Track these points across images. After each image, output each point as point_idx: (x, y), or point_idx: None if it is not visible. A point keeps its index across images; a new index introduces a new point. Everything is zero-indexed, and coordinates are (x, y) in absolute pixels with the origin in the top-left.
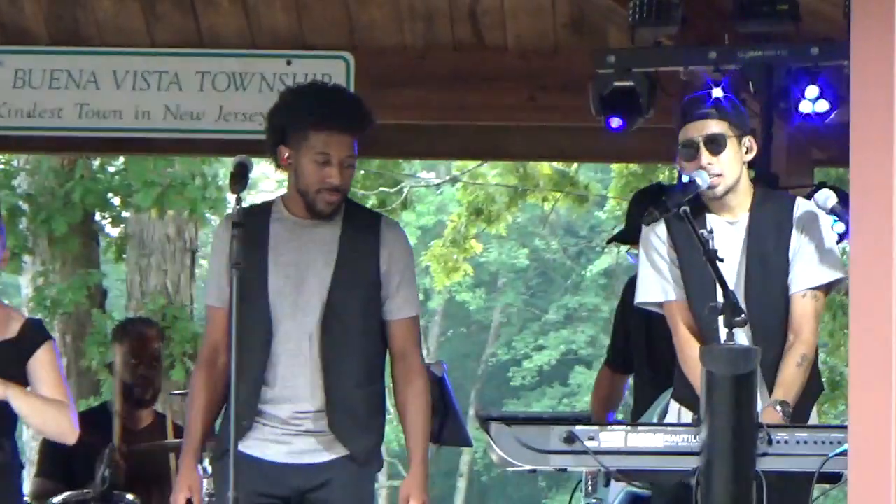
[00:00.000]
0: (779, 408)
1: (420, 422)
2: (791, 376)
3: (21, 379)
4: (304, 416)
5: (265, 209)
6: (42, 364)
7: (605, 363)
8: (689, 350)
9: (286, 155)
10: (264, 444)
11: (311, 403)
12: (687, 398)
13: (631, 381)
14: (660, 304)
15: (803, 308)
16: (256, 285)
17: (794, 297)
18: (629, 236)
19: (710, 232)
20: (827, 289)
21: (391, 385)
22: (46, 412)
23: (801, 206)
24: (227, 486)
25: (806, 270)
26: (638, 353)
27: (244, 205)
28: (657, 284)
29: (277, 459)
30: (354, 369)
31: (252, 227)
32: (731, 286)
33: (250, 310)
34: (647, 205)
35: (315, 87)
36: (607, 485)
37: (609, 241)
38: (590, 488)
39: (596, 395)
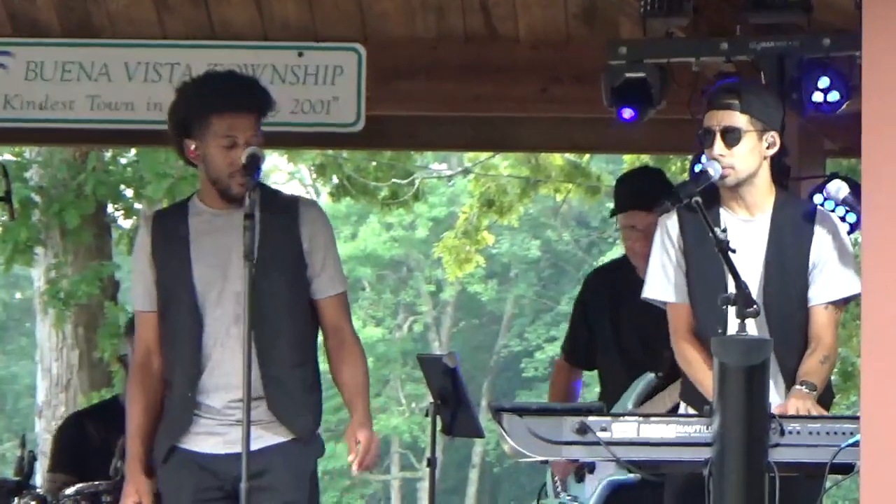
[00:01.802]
0: (801, 385)
1: (359, 376)
2: (814, 367)
3: None
4: (237, 404)
5: (181, 207)
6: None
7: (563, 358)
8: (689, 352)
9: (192, 147)
10: (200, 438)
11: (237, 392)
12: (693, 399)
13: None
14: (664, 303)
15: (825, 319)
16: (181, 281)
17: (815, 309)
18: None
19: (724, 230)
20: (846, 302)
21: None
22: None
23: (823, 215)
24: (177, 487)
25: (827, 284)
26: (605, 344)
27: (250, 195)
28: (664, 284)
29: (213, 451)
30: (287, 350)
31: (170, 225)
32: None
33: (178, 306)
34: (632, 187)
35: (209, 75)
36: (581, 481)
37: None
38: (558, 488)
39: (557, 391)
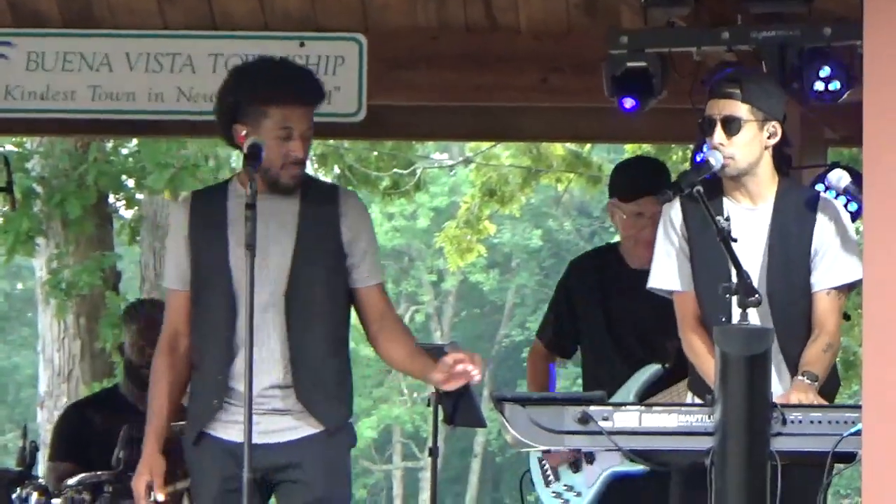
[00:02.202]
0: (806, 378)
1: (413, 346)
2: (816, 356)
3: None
4: (271, 393)
5: (220, 188)
6: None
7: (542, 344)
8: (696, 342)
9: (243, 133)
10: (230, 426)
11: (277, 376)
12: (701, 389)
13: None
14: (670, 292)
15: (828, 306)
16: (217, 264)
17: (817, 296)
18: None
19: (727, 219)
20: (850, 288)
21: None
22: None
23: (826, 201)
24: (204, 474)
25: (830, 270)
26: (594, 334)
27: (251, 185)
28: (670, 273)
29: (242, 439)
30: (321, 340)
31: (209, 207)
32: (748, 271)
33: (213, 289)
34: (640, 174)
35: (266, 63)
36: (577, 470)
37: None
38: (551, 478)
39: (537, 379)
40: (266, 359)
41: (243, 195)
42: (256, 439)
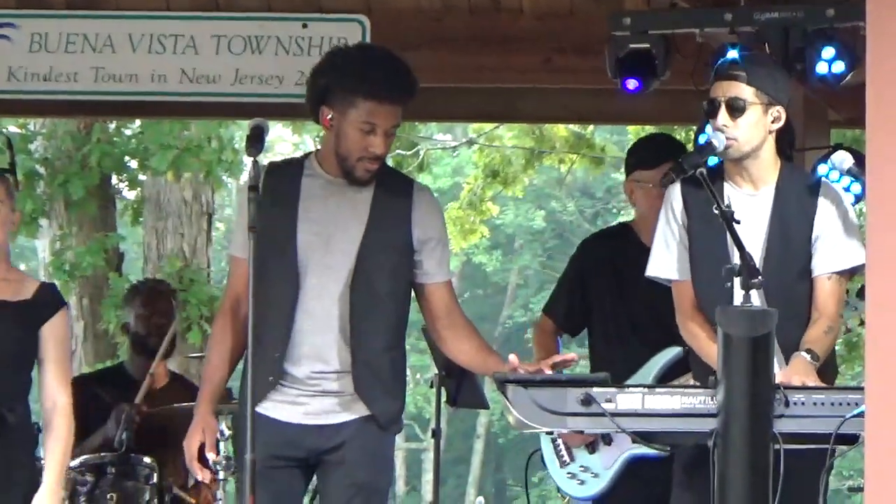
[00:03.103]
0: (806, 354)
1: (482, 337)
2: (818, 337)
3: (33, 339)
4: (322, 376)
5: (297, 164)
6: (54, 334)
7: (551, 321)
8: (695, 329)
9: (329, 116)
10: (280, 406)
11: (333, 364)
12: (703, 376)
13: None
14: (669, 281)
15: (828, 290)
16: (285, 239)
17: (818, 280)
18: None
19: (728, 206)
20: (851, 273)
21: (414, 349)
22: (63, 469)
23: (827, 186)
24: (245, 448)
25: (831, 254)
26: (607, 315)
27: (254, 167)
28: (669, 262)
29: (293, 420)
30: (381, 332)
31: (282, 180)
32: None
33: (277, 264)
34: (659, 143)
35: (365, 50)
36: (593, 451)
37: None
38: (566, 459)
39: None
40: (324, 345)
41: (319, 175)
42: (303, 420)
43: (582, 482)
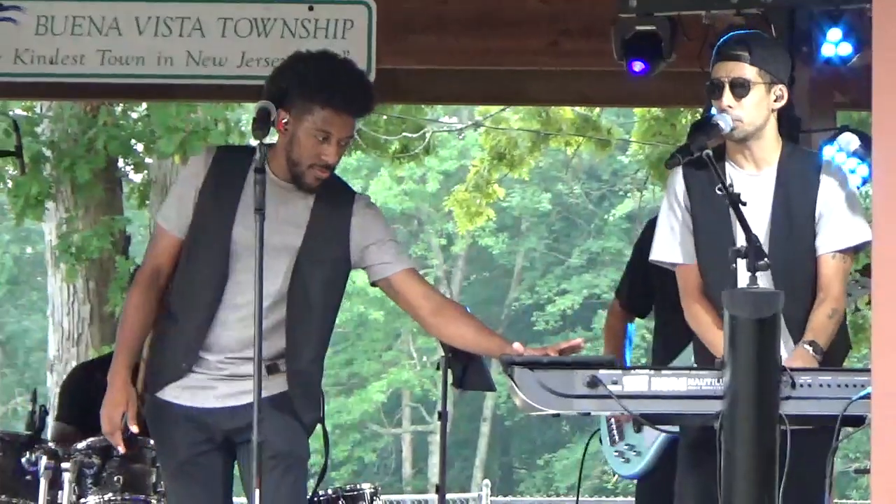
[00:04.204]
0: (809, 347)
1: (474, 318)
2: (821, 323)
3: None
4: (231, 361)
5: (248, 153)
6: None
7: (618, 304)
8: (700, 313)
9: (284, 120)
10: (190, 392)
11: (247, 353)
12: (707, 361)
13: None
14: (673, 265)
15: (833, 269)
16: (220, 230)
17: (822, 259)
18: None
19: (731, 185)
20: (855, 250)
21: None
22: None
23: (830, 165)
24: (170, 442)
25: (835, 232)
26: (665, 294)
27: (260, 150)
28: (672, 246)
29: (205, 405)
30: (313, 342)
31: (230, 167)
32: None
33: (207, 253)
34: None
35: (328, 59)
36: (639, 430)
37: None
38: (616, 437)
39: (612, 337)
40: (246, 339)
41: (266, 174)
42: (214, 403)
43: (627, 460)
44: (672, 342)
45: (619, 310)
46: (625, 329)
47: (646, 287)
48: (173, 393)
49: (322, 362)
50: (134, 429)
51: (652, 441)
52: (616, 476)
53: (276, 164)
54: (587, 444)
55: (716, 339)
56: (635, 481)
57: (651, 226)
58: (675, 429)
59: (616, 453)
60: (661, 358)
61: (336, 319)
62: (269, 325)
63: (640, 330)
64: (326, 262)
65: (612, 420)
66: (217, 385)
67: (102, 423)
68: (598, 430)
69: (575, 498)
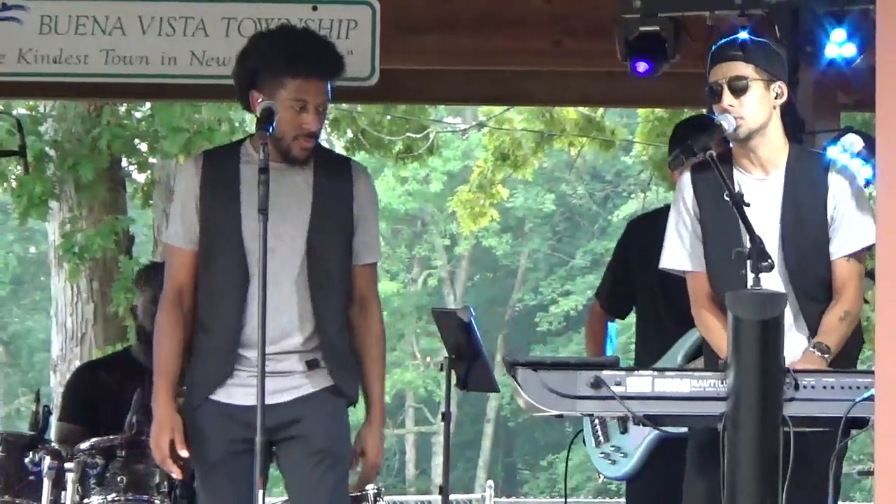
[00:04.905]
0: (814, 349)
1: (379, 370)
2: (832, 325)
3: None
4: (273, 357)
5: (233, 150)
6: None
7: (598, 305)
8: (709, 319)
9: (259, 100)
10: (234, 389)
11: (285, 345)
12: (713, 366)
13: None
14: (683, 272)
15: (847, 272)
16: (229, 231)
17: (836, 263)
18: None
19: (738, 191)
20: (868, 250)
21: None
22: None
23: (837, 164)
24: (207, 438)
25: (847, 235)
26: (649, 295)
27: (263, 150)
28: (682, 253)
29: (246, 402)
30: (338, 314)
31: (221, 168)
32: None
33: (224, 255)
34: (680, 132)
35: (287, 31)
36: (625, 431)
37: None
38: (601, 438)
39: (594, 339)
40: (278, 328)
41: (256, 160)
42: (256, 401)
43: (614, 462)
44: (654, 344)
45: (599, 310)
46: (605, 329)
47: (627, 288)
48: (216, 392)
49: (347, 331)
50: (184, 453)
51: (639, 442)
52: (602, 477)
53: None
54: (570, 446)
55: (725, 345)
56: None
57: (633, 227)
58: (680, 429)
59: (602, 455)
60: (644, 360)
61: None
62: (298, 312)
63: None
64: (337, 232)
65: (597, 421)
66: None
67: (153, 454)
68: (581, 432)
69: (575, 498)
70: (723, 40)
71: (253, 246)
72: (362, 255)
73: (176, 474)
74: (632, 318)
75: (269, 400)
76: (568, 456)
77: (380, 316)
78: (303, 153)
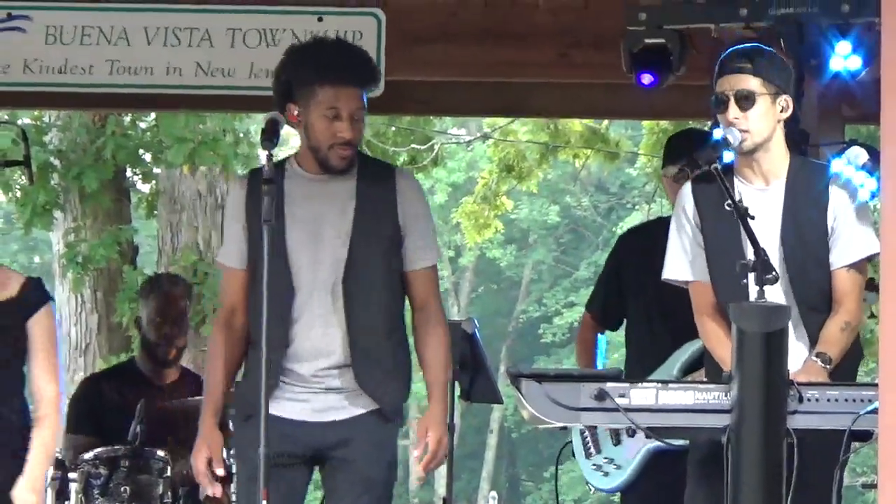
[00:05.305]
0: (817, 358)
1: (440, 364)
2: (833, 336)
3: (21, 335)
4: (326, 373)
5: (278, 167)
6: (41, 327)
7: (590, 317)
8: (713, 329)
9: (295, 112)
10: (284, 403)
11: (334, 358)
12: (715, 376)
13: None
14: (685, 283)
15: (847, 282)
16: (274, 243)
17: (836, 273)
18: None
19: (740, 201)
20: (868, 261)
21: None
22: (47, 460)
23: (839, 177)
24: (246, 449)
25: (847, 246)
26: (642, 308)
27: (268, 161)
28: (684, 264)
29: (298, 417)
30: (379, 321)
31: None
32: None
33: (269, 268)
34: (682, 141)
35: (320, 42)
36: (618, 443)
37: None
38: (592, 450)
39: (585, 350)
40: (324, 339)
41: (300, 175)
42: (308, 417)
43: (606, 474)
44: (648, 357)
45: (591, 322)
46: (596, 342)
47: (619, 300)
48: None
49: (398, 342)
50: (220, 472)
51: (633, 454)
52: (593, 490)
53: (305, 160)
54: (557, 458)
55: (728, 355)
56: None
57: (625, 239)
58: (678, 443)
59: (594, 466)
60: (636, 373)
61: (404, 295)
62: (335, 325)
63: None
64: (380, 238)
65: (587, 432)
66: (311, 398)
67: (194, 472)
68: (570, 442)
69: None
70: (733, 48)
71: (297, 258)
72: (415, 260)
73: (212, 491)
74: (618, 334)
75: (319, 418)
76: (557, 466)
77: (441, 317)
78: (341, 162)
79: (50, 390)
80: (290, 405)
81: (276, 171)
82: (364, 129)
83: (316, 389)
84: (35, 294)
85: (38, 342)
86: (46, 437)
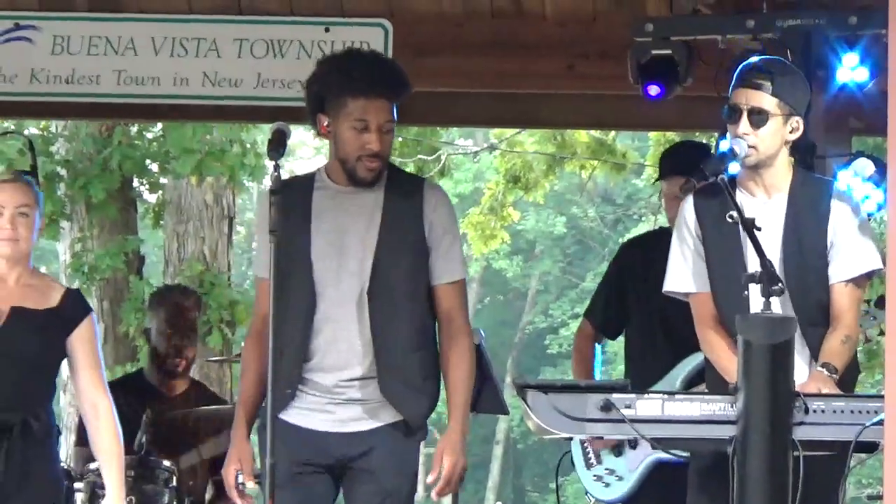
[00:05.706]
0: (823, 368)
1: (462, 383)
2: (835, 348)
3: (59, 346)
4: (349, 384)
5: (308, 179)
6: (84, 340)
7: (590, 325)
8: (714, 340)
9: (325, 123)
10: (307, 413)
11: (357, 370)
12: (719, 389)
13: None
14: (686, 294)
15: (845, 297)
16: (299, 254)
17: (834, 288)
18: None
19: (741, 213)
20: (868, 277)
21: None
22: (122, 460)
23: (842, 192)
24: (275, 457)
25: (846, 261)
26: (642, 318)
27: (283, 173)
28: (685, 275)
29: (320, 428)
30: (404, 334)
31: (295, 197)
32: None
33: (293, 278)
34: (675, 155)
35: (351, 53)
36: (620, 454)
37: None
38: (592, 461)
39: (582, 360)
40: (347, 351)
41: (329, 186)
42: (331, 427)
43: (607, 485)
44: (648, 370)
45: (590, 331)
46: (594, 351)
47: (620, 309)
48: (287, 413)
49: (427, 352)
50: (250, 485)
51: (635, 465)
52: (594, 501)
53: (334, 171)
54: (558, 467)
55: (730, 366)
56: None
57: (626, 249)
58: (680, 454)
59: (594, 477)
60: (636, 384)
61: (430, 306)
62: (358, 337)
63: None
64: (406, 251)
65: (587, 443)
66: (335, 409)
67: (225, 486)
68: (569, 452)
69: None
70: (756, 60)
71: (321, 269)
72: (441, 274)
73: (240, 503)
74: (616, 344)
75: (341, 428)
76: (557, 476)
77: (467, 333)
78: (369, 174)
79: (104, 403)
80: (312, 415)
81: (307, 183)
82: (392, 142)
83: (339, 400)
84: (76, 306)
85: (84, 356)
86: (116, 451)
